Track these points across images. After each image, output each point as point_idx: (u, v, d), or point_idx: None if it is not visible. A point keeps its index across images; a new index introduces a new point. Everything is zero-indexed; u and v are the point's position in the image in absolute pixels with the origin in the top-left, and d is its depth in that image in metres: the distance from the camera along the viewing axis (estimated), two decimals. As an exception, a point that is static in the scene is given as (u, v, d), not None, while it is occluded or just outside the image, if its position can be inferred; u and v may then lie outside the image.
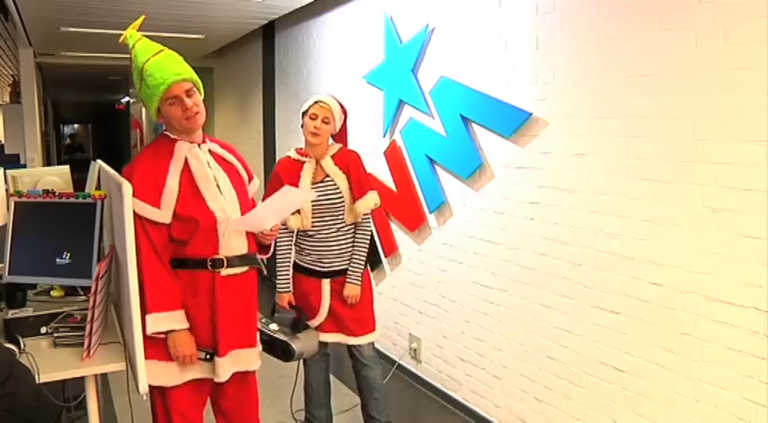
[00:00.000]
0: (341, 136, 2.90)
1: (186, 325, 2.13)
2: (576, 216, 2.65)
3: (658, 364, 2.34)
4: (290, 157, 2.86)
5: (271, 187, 2.80)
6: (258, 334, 2.41)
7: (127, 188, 1.94)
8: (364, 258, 2.87)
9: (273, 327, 2.79)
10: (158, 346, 2.12)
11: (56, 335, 2.17)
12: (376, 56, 4.04)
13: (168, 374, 2.16)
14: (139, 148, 15.54)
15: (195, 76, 2.15)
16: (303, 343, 2.75)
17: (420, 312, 3.79)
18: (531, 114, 2.84)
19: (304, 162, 2.81)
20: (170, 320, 2.10)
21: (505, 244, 3.08)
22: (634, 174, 2.40)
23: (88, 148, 25.03)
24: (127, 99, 16.38)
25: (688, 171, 2.20)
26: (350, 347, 2.90)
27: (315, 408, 3.03)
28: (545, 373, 2.87)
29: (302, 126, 2.80)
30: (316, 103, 2.77)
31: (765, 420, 2.01)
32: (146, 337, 2.02)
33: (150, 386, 2.06)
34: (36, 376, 1.82)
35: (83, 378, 2.04)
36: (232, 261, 2.20)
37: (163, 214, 2.10)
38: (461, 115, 3.26)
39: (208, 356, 2.18)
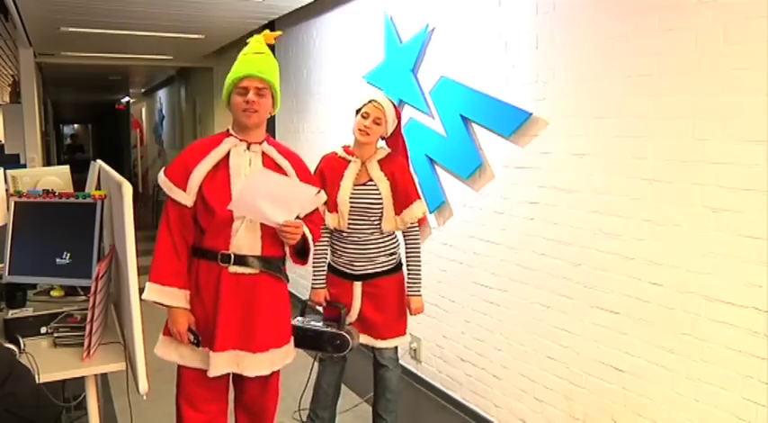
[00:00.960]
0: (394, 140, 2.85)
1: (180, 304, 2.21)
2: (576, 216, 2.65)
3: (658, 364, 2.34)
4: (336, 154, 2.81)
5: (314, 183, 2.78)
6: (297, 333, 2.46)
7: (127, 188, 1.94)
8: (420, 267, 2.85)
9: (313, 323, 2.73)
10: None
11: (56, 335, 2.17)
12: (376, 56, 4.04)
13: (174, 350, 2.27)
14: (139, 148, 15.57)
15: (275, 84, 2.24)
16: (353, 335, 2.71)
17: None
18: (531, 114, 2.84)
19: (349, 161, 2.76)
20: (162, 294, 2.19)
21: (505, 244, 3.08)
22: (634, 174, 2.40)
23: (88, 148, 25.03)
24: (127, 99, 16.38)
25: (688, 171, 2.20)
26: (372, 347, 2.88)
27: (320, 408, 3.00)
28: (545, 373, 2.88)
29: (354, 125, 2.75)
30: (370, 102, 2.74)
31: (765, 420, 2.01)
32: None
33: (177, 367, 2.26)
34: (36, 376, 1.82)
35: (83, 378, 2.04)
36: (243, 259, 2.21)
37: (185, 196, 2.19)
38: (461, 115, 3.26)
39: (195, 341, 2.23)
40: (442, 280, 3.58)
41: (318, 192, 2.39)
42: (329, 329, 2.69)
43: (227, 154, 2.23)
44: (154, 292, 2.18)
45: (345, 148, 2.81)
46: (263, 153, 2.28)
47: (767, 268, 1.99)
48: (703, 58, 2.13)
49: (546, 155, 2.80)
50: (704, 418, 2.19)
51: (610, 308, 2.53)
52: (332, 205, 2.73)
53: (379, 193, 2.74)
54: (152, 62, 8.24)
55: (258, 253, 2.23)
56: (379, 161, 2.77)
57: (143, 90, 14.74)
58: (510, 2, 2.97)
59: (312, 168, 2.62)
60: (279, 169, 2.27)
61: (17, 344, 2.05)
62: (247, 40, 2.31)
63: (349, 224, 2.74)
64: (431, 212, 3.59)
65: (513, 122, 2.93)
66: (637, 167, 2.39)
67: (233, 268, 2.20)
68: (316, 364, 3.04)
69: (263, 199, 2.14)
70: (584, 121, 2.60)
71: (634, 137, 2.39)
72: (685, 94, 2.20)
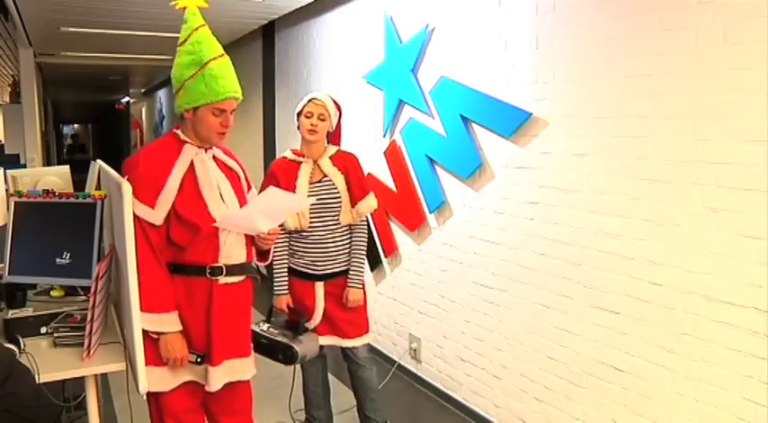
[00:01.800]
0: (335, 135, 2.89)
1: (179, 327, 2.12)
2: (576, 216, 2.65)
3: (658, 364, 2.34)
4: (285, 158, 2.85)
5: (265, 188, 2.80)
6: (255, 338, 2.42)
7: (127, 188, 1.94)
8: (364, 261, 2.87)
9: (273, 330, 2.77)
10: (153, 352, 2.10)
11: (56, 335, 2.17)
12: (376, 56, 4.04)
13: (163, 380, 2.15)
14: (139, 147, 15.56)
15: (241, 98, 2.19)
16: (305, 346, 2.73)
17: (420, 312, 3.79)
18: (531, 114, 2.84)
19: (301, 162, 2.80)
20: (161, 322, 2.08)
21: (505, 244, 3.08)
22: (634, 174, 2.40)
23: (88, 148, 25.03)
24: (127, 99, 16.38)
25: (688, 171, 2.20)
26: (344, 349, 2.90)
27: (314, 409, 3.04)
28: (545, 373, 2.87)
29: (298, 127, 2.81)
30: (310, 101, 2.78)
31: (765, 420, 2.01)
32: (146, 344, 1.99)
33: (147, 393, 2.05)
34: (36, 376, 1.82)
35: (83, 378, 2.04)
36: (231, 269, 2.18)
37: (154, 214, 2.06)
38: (461, 115, 3.26)
39: (198, 359, 2.17)
40: (441, 280, 3.58)
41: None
42: (281, 340, 2.71)
43: (190, 163, 2.14)
44: (151, 322, 2.04)
45: (294, 151, 2.85)
46: (214, 157, 2.24)
47: (767, 268, 1.99)
48: (703, 58, 2.13)
49: (546, 155, 2.80)
50: (704, 418, 2.19)
51: (610, 308, 2.53)
52: None
53: (336, 188, 2.78)
54: (152, 62, 8.24)
55: (243, 260, 2.23)
56: (330, 157, 2.81)
57: (143, 90, 14.75)
58: (510, 2, 2.97)
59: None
60: (229, 170, 2.26)
61: (17, 344, 2.05)
62: (195, 26, 2.18)
63: (311, 222, 2.76)
64: (431, 212, 3.60)
65: (513, 122, 2.93)
66: (637, 167, 2.38)
67: (224, 279, 2.16)
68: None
69: (260, 214, 2.17)
70: (584, 121, 2.60)
71: (634, 137, 2.39)
72: (685, 94, 2.20)
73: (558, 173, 2.74)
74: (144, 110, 15.47)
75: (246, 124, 6.68)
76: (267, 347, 2.72)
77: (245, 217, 2.17)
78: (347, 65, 4.47)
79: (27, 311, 2.49)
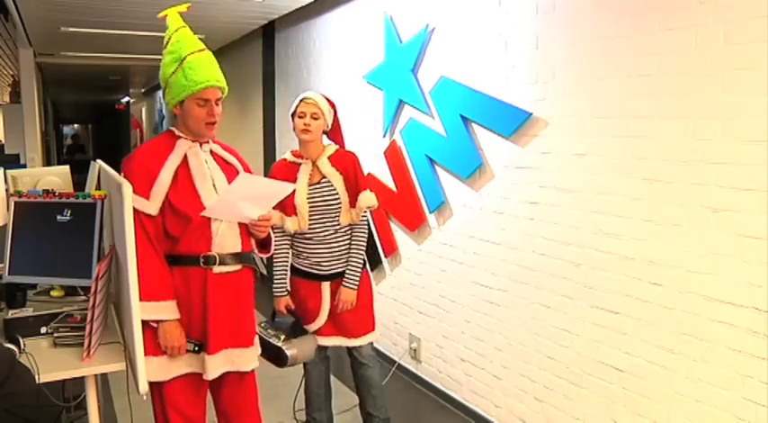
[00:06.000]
0: (335, 132, 2.88)
1: (176, 316, 2.17)
2: (576, 216, 2.65)
3: (658, 364, 2.34)
4: (285, 160, 2.85)
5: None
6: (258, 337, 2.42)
7: (127, 188, 1.94)
8: (362, 261, 2.86)
9: (270, 331, 2.75)
10: (152, 342, 2.15)
11: (56, 335, 2.17)
12: (376, 56, 4.04)
13: (162, 369, 2.19)
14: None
15: (227, 89, 2.23)
16: (297, 348, 2.70)
17: (420, 312, 3.79)
18: (531, 114, 2.84)
19: (300, 164, 2.79)
20: (159, 310, 2.13)
21: (505, 244, 3.08)
22: (634, 174, 2.40)
23: (88, 148, 25.01)
24: (127, 99, 16.38)
25: (688, 171, 2.20)
26: (349, 347, 2.90)
27: (315, 411, 3.02)
28: (545, 373, 2.87)
29: (294, 129, 2.80)
30: (302, 101, 2.77)
31: (765, 420, 2.01)
32: (145, 334, 2.04)
33: (150, 385, 2.08)
34: (36, 376, 1.82)
35: (83, 378, 2.04)
36: (225, 258, 2.21)
37: (150, 205, 2.14)
38: (461, 115, 3.26)
39: (196, 348, 2.21)
40: (441, 280, 3.58)
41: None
42: (272, 342, 2.69)
43: (184, 157, 2.21)
44: (149, 310, 2.09)
45: (294, 152, 2.84)
46: (212, 151, 2.29)
47: (767, 268, 1.99)
48: (703, 58, 2.13)
49: (546, 155, 2.80)
50: (704, 418, 2.19)
51: (610, 308, 2.53)
52: (290, 209, 2.73)
53: (335, 189, 2.76)
54: (152, 62, 8.24)
55: (239, 249, 2.25)
56: (329, 158, 2.80)
57: (143, 90, 14.74)
58: (510, 2, 2.97)
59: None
60: (227, 165, 2.31)
61: (17, 344, 2.04)
62: (175, 28, 2.23)
63: (310, 224, 2.75)
64: (431, 212, 3.60)
65: (513, 122, 2.93)
66: (637, 167, 2.38)
67: (218, 268, 2.20)
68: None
69: (244, 201, 2.19)
70: (584, 121, 2.60)
71: (634, 137, 2.39)
72: (685, 94, 2.20)
73: (558, 173, 2.74)
74: (144, 110, 15.46)
75: (246, 124, 6.68)
76: (264, 349, 2.68)
77: (228, 203, 2.19)
78: (347, 65, 4.47)
79: (27, 311, 2.49)
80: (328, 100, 2.83)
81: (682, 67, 2.20)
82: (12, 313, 2.46)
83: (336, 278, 2.82)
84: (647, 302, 2.37)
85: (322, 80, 4.92)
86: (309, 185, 2.76)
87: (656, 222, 2.33)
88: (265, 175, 2.87)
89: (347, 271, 2.82)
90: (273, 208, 2.69)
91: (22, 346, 2.04)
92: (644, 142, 2.35)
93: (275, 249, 2.74)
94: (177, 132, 2.26)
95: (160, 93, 12.72)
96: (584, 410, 2.68)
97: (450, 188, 3.44)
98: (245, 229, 2.29)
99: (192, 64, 2.16)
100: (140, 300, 2.01)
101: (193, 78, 2.14)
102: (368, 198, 2.81)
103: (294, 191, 2.70)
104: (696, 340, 2.21)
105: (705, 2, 2.12)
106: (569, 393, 2.75)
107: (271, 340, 2.71)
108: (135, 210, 2.07)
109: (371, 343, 2.93)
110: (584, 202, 2.61)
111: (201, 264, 2.19)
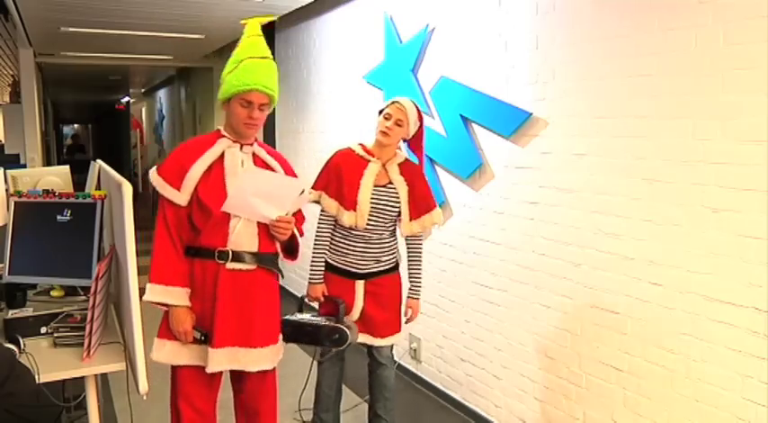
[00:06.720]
0: (416, 143, 2.83)
1: (183, 302, 2.22)
2: (576, 216, 2.65)
3: (658, 364, 2.34)
4: (353, 151, 2.78)
5: (325, 177, 2.77)
6: (296, 327, 2.49)
7: (127, 188, 1.94)
8: (422, 272, 2.88)
9: (316, 317, 2.67)
10: (166, 326, 2.26)
11: (56, 335, 2.17)
12: (376, 56, 4.04)
13: (173, 352, 2.26)
14: (139, 147, 15.56)
15: (276, 98, 2.28)
16: (352, 329, 2.65)
17: (420, 312, 3.78)
18: (531, 114, 2.84)
19: (369, 161, 2.75)
20: (165, 294, 2.20)
21: (505, 244, 3.08)
22: (634, 174, 2.40)
23: (88, 148, 25.01)
24: (127, 99, 16.38)
25: (688, 171, 2.20)
26: (369, 347, 2.88)
27: (323, 411, 2.99)
28: (545, 373, 2.87)
29: (377, 126, 2.75)
30: (393, 103, 2.73)
31: (765, 420, 2.01)
32: (163, 318, 2.25)
33: (172, 369, 2.25)
34: (36, 376, 1.82)
35: (83, 378, 2.04)
36: (240, 256, 2.24)
37: (179, 195, 2.21)
38: (461, 115, 3.26)
39: (202, 337, 2.24)
40: (441, 280, 3.58)
41: (302, 192, 2.38)
42: (328, 323, 2.62)
43: (221, 154, 2.26)
44: (156, 292, 2.18)
45: (364, 147, 2.79)
46: (254, 154, 2.34)
47: (767, 268, 1.99)
48: (703, 58, 2.13)
49: (546, 155, 2.80)
50: (704, 418, 2.19)
51: (610, 308, 2.53)
52: (350, 203, 2.71)
53: (398, 197, 2.74)
54: (152, 62, 8.24)
55: (255, 249, 2.26)
56: (399, 165, 2.77)
57: (143, 90, 14.75)
58: (510, 2, 2.97)
59: (306, 167, 2.63)
60: (269, 168, 2.34)
61: (17, 344, 2.04)
62: (248, 34, 2.33)
63: (367, 224, 2.72)
64: (431, 212, 3.59)
65: (513, 122, 2.93)
66: (637, 167, 2.39)
67: (230, 265, 2.23)
68: (315, 364, 3.03)
69: (256, 197, 2.20)
70: (584, 121, 2.60)
71: (634, 137, 2.39)
72: (685, 94, 2.20)
73: (558, 173, 2.74)
74: (144, 110, 15.46)
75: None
76: (311, 334, 2.61)
77: (240, 198, 2.20)
78: (347, 65, 4.47)
79: (27, 311, 2.49)
80: (419, 110, 2.78)
81: (682, 67, 2.20)
82: (12, 313, 2.46)
83: (370, 277, 2.80)
84: (647, 302, 2.37)
85: (322, 80, 4.92)
86: (375, 186, 2.72)
87: (655, 222, 2.33)
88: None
89: (413, 282, 2.86)
90: (330, 197, 2.72)
91: (22, 346, 2.04)
92: (644, 142, 2.35)
93: (317, 238, 2.76)
94: (222, 131, 2.32)
95: (160, 93, 12.73)
96: (584, 410, 2.68)
97: (451, 188, 3.44)
98: (266, 230, 2.28)
99: (248, 67, 2.22)
100: (150, 281, 2.18)
101: (243, 79, 2.20)
102: (438, 215, 2.83)
103: (359, 187, 2.68)
104: (696, 340, 2.21)
105: (705, 2, 2.12)
106: (569, 393, 2.75)
107: (326, 323, 2.62)
108: (162, 197, 2.22)
109: (392, 344, 2.92)
110: (584, 202, 2.61)
111: (216, 258, 2.23)
